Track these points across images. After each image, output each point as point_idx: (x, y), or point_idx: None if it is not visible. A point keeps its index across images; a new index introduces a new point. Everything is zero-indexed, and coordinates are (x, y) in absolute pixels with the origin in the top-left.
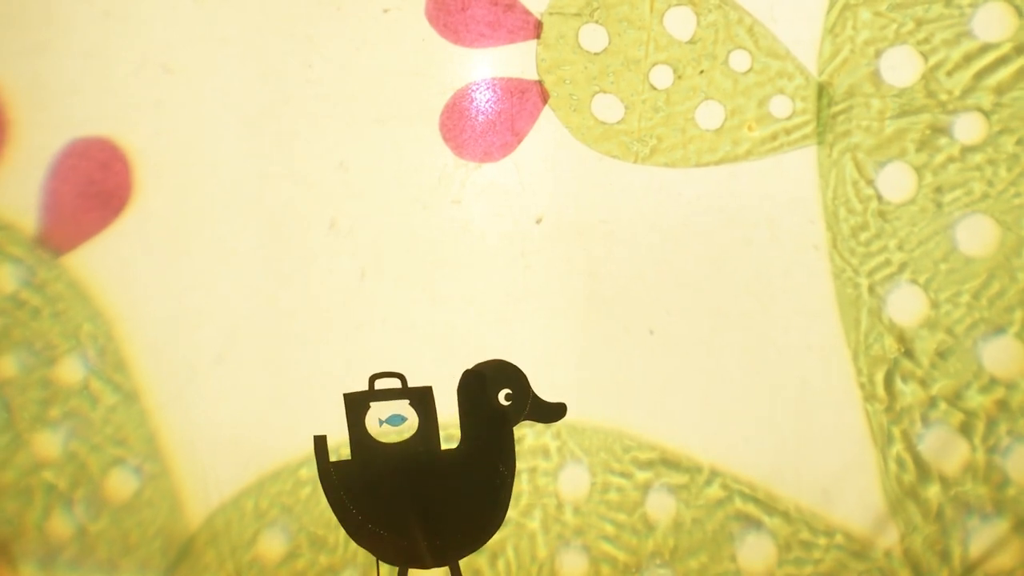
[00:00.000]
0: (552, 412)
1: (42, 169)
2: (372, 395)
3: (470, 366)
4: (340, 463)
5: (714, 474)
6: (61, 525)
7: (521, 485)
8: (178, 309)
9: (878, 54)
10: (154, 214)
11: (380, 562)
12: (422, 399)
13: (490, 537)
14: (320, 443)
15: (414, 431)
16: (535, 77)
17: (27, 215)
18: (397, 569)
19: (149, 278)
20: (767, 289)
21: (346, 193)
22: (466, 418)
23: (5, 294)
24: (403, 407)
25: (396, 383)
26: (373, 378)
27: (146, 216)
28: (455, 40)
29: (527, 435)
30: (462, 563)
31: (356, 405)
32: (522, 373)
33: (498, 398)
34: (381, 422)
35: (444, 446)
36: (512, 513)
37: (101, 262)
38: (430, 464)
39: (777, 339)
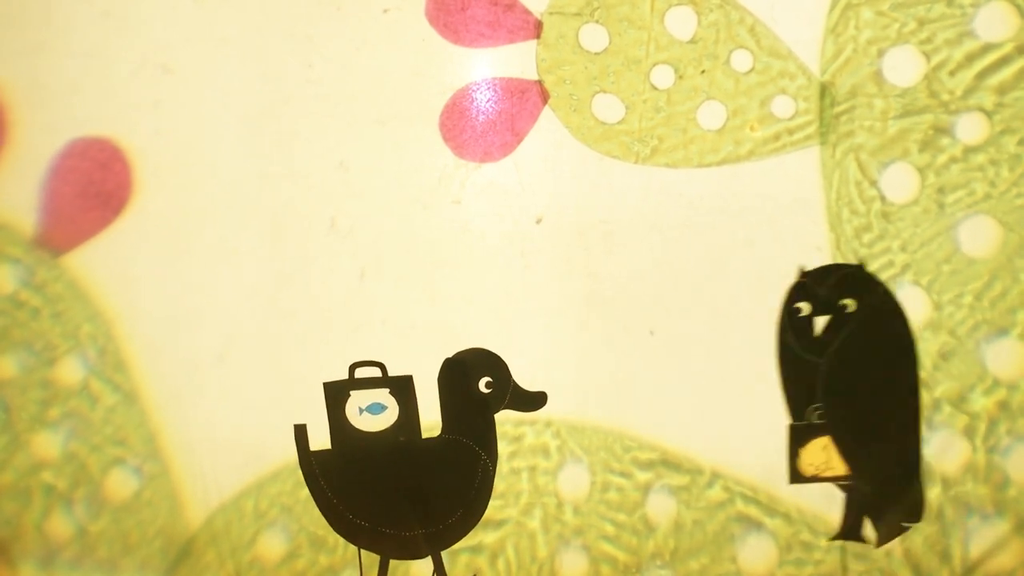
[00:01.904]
0: (532, 401)
1: (42, 169)
2: (352, 383)
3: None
4: (320, 452)
5: (715, 476)
6: (61, 525)
7: (521, 484)
8: (178, 309)
9: (880, 54)
10: (154, 214)
11: (362, 552)
12: (402, 388)
13: (472, 527)
14: (300, 432)
15: (394, 420)
16: (535, 77)
17: (26, 215)
18: (379, 560)
19: (149, 278)
20: (769, 290)
21: (346, 193)
22: (447, 406)
23: (4, 294)
24: (383, 396)
25: (376, 372)
26: (353, 367)
27: (146, 216)
28: (455, 40)
29: (527, 433)
30: (462, 562)
31: (336, 393)
32: (502, 361)
33: (478, 386)
34: (361, 410)
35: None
36: (512, 512)
37: (101, 262)
38: (411, 453)
39: None
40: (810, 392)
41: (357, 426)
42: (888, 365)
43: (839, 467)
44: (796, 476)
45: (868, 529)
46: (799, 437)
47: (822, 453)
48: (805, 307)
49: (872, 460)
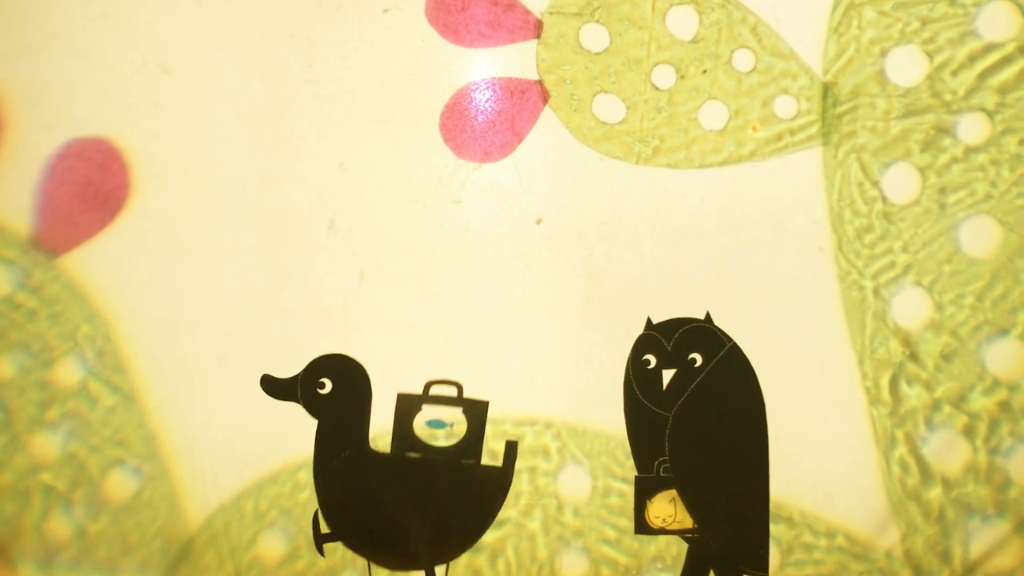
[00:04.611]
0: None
1: (39, 170)
2: (426, 399)
3: (470, 365)
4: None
5: None
6: (60, 526)
7: (521, 485)
8: (177, 310)
9: (883, 53)
10: (152, 214)
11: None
12: (476, 410)
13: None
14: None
15: (461, 438)
16: (535, 77)
17: (23, 216)
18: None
19: (147, 279)
20: (771, 292)
21: (346, 193)
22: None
23: (1, 296)
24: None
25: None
26: (429, 384)
27: (144, 216)
28: (455, 40)
29: (527, 434)
30: (462, 562)
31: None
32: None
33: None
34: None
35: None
36: (512, 513)
37: (99, 263)
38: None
39: (781, 342)
40: (658, 444)
41: (423, 438)
42: (736, 420)
43: (686, 520)
44: (643, 527)
45: None
46: (646, 489)
47: (669, 506)
48: (653, 359)
49: (718, 514)
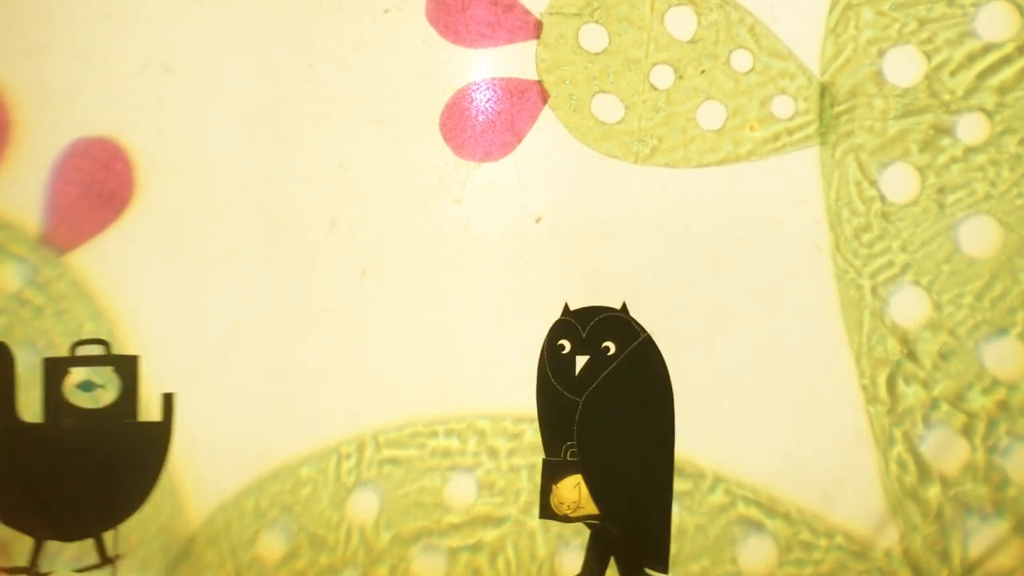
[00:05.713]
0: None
1: (45, 169)
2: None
3: (470, 364)
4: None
5: (717, 480)
6: None
7: (521, 482)
8: (179, 308)
9: (881, 54)
10: (156, 213)
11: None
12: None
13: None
14: None
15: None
16: (535, 77)
17: (30, 214)
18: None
19: (151, 277)
20: (769, 290)
21: (346, 193)
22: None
23: (8, 293)
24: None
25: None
26: (75, 345)
27: (148, 215)
28: (455, 40)
29: (526, 431)
30: (463, 561)
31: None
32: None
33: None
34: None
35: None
36: (512, 510)
37: (103, 261)
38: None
39: (779, 341)
40: (567, 429)
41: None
42: (643, 412)
43: (589, 507)
44: (547, 512)
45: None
46: (553, 473)
47: (574, 491)
48: (567, 345)
49: (620, 503)
